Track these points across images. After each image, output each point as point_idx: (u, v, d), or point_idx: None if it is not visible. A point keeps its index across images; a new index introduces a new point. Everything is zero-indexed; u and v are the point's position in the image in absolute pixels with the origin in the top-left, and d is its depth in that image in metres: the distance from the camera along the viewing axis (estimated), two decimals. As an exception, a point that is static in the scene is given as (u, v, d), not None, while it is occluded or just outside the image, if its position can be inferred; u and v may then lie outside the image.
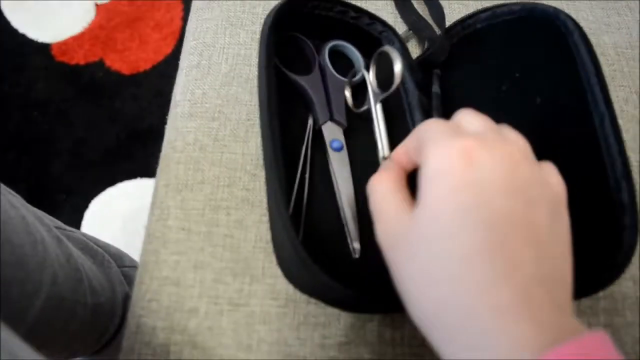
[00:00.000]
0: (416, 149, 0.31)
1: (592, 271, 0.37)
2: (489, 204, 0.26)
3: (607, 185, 0.42)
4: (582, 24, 0.47)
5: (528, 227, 0.26)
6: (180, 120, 0.47)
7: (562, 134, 0.45)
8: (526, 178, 0.28)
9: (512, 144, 0.29)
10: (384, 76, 0.42)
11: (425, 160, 0.28)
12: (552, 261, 0.27)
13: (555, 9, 0.47)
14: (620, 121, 0.45)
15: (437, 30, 0.50)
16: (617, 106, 0.49)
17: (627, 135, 0.50)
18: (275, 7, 0.44)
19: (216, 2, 0.54)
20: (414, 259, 0.28)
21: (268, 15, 0.44)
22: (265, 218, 0.43)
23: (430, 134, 0.29)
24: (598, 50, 0.46)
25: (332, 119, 0.44)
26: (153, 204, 0.45)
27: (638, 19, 0.57)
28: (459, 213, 0.26)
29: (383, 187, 0.32)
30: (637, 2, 0.58)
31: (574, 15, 0.47)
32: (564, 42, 0.46)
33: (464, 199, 0.26)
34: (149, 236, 0.43)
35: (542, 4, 0.48)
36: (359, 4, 0.48)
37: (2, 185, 0.49)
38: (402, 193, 0.31)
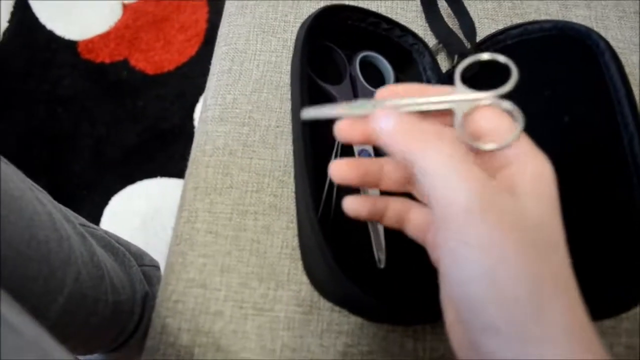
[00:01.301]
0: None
1: (617, 293, 0.37)
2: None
3: (634, 205, 0.42)
4: (611, 43, 0.47)
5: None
6: (211, 124, 0.48)
7: (590, 154, 0.45)
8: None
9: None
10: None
11: (525, 158, 0.27)
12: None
13: (587, 28, 0.47)
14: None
15: (467, 45, 0.50)
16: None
17: (654, 156, 0.50)
18: (310, 16, 0.44)
19: (249, 8, 0.55)
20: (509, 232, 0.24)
21: (303, 24, 0.44)
22: (292, 225, 0.43)
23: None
24: (627, 70, 0.46)
25: (361, 129, 0.44)
26: (181, 206, 0.45)
27: (668, 40, 0.57)
28: (554, 212, 0.26)
29: (446, 142, 0.26)
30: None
31: (603, 34, 0.48)
32: (594, 62, 0.46)
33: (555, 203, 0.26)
34: (177, 237, 0.44)
35: (574, 23, 0.48)
36: (390, 16, 0.49)
37: (30, 181, 0.49)
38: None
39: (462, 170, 0.25)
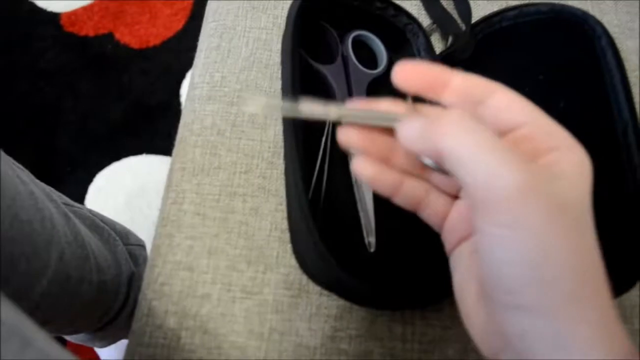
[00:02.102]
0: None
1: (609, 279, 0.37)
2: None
3: (626, 193, 0.42)
4: (607, 27, 0.46)
5: None
6: (199, 103, 0.47)
7: (584, 140, 0.44)
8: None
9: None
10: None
11: (567, 146, 0.26)
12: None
13: (584, 12, 0.47)
14: (640, 127, 0.45)
15: (462, 26, 0.49)
16: (637, 112, 0.48)
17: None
18: (302, -7, 0.43)
19: (238, -17, 0.53)
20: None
21: (294, 2, 0.43)
22: (281, 207, 0.43)
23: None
24: (622, 55, 0.45)
25: (353, 110, 0.44)
26: (168, 187, 0.44)
27: (663, 25, 0.56)
28: (589, 199, 0.25)
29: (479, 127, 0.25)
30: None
31: (598, 18, 0.47)
32: (590, 47, 0.46)
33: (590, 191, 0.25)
34: (163, 219, 0.43)
35: (571, 7, 0.47)
36: (384, -6, 0.48)
37: (11, 159, 0.48)
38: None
39: (504, 154, 0.24)
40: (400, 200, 0.30)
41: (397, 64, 0.28)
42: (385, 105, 0.29)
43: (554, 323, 0.23)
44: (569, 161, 0.26)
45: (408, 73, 0.28)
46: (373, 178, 0.29)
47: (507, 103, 0.27)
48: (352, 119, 0.29)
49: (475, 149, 0.24)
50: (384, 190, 0.30)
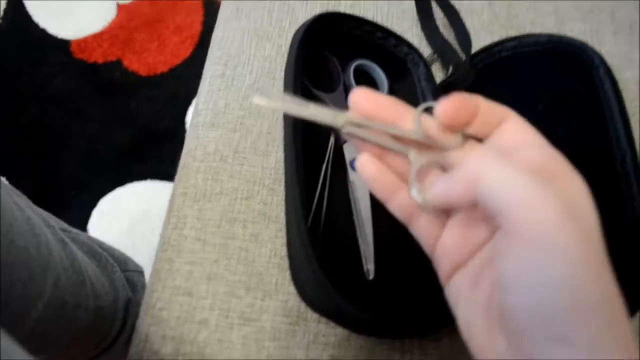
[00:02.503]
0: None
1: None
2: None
3: (625, 221, 0.42)
4: (606, 57, 0.47)
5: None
6: (202, 129, 0.47)
7: (583, 169, 0.45)
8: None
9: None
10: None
11: (569, 173, 0.27)
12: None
13: (582, 42, 0.47)
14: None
15: (462, 56, 0.50)
16: (636, 142, 0.48)
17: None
18: (305, 23, 0.44)
19: (244, 12, 0.54)
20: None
21: (298, 31, 0.44)
22: (281, 233, 0.43)
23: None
24: (620, 85, 0.46)
25: (353, 138, 0.44)
26: (169, 212, 0.45)
27: (662, 56, 0.57)
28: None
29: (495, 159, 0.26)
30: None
31: (597, 49, 0.48)
32: (589, 77, 0.46)
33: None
34: (164, 244, 0.43)
35: (569, 37, 0.48)
36: (385, 25, 0.48)
37: (9, 185, 0.49)
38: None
39: (534, 184, 0.24)
40: (394, 206, 0.30)
41: (355, 89, 0.29)
42: (391, 112, 0.30)
43: (592, 352, 0.23)
44: (577, 187, 0.26)
45: (363, 97, 0.29)
46: (374, 176, 0.30)
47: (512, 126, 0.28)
48: (359, 133, 0.29)
49: (511, 182, 0.25)
50: (381, 192, 0.30)
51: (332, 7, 0.55)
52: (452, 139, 0.29)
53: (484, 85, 0.49)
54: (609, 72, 0.45)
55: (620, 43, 0.58)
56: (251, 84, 0.50)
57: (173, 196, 0.45)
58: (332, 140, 0.44)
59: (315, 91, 0.45)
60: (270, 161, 0.46)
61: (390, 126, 0.29)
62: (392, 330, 0.38)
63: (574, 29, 0.57)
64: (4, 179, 0.45)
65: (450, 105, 0.28)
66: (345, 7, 0.55)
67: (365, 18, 0.47)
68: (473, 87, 0.49)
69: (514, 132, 0.29)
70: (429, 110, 0.29)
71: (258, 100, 0.29)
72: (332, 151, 0.44)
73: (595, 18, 0.59)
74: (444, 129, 0.29)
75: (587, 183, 0.43)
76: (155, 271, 0.42)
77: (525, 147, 0.28)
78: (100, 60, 1.22)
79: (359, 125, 0.29)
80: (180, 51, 1.22)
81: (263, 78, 0.50)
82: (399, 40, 0.48)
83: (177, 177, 0.47)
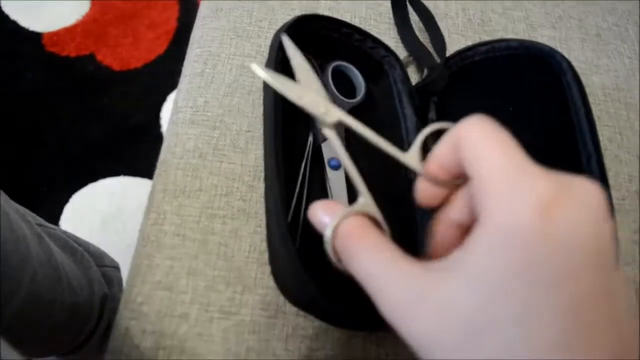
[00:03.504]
0: (456, 162, 0.25)
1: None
2: (572, 276, 0.20)
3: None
4: (574, 63, 0.49)
5: (610, 301, 0.21)
6: (181, 127, 0.48)
7: (549, 170, 0.47)
8: (610, 234, 0.22)
9: (590, 187, 0.22)
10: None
11: (484, 208, 0.22)
12: (628, 338, 0.22)
13: (551, 48, 0.49)
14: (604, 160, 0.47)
15: (437, 59, 0.52)
16: (601, 144, 0.51)
17: (609, 173, 0.52)
18: (285, 24, 0.45)
19: (223, 11, 0.55)
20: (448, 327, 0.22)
21: (277, 32, 0.45)
22: (260, 229, 0.44)
23: (488, 162, 0.23)
24: (587, 90, 0.48)
25: (331, 137, 0.45)
26: (149, 208, 0.45)
27: (626, 62, 0.60)
28: (530, 288, 0.20)
29: (367, 247, 0.26)
30: (626, 45, 0.61)
31: (566, 55, 0.50)
32: (557, 81, 0.48)
33: (538, 269, 0.20)
34: (143, 239, 0.44)
35: (539, 43, 0.50)
36: (363, 27, 0.50)
37: None
38: (391, 249, 0.25)
39: (517, 170, 0.23)
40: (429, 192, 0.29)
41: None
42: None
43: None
44: (482, 235, 0.23)
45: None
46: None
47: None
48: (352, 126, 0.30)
49: (370, 266, 0.25)
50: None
51: (310, 8, 0.56)
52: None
53: (457, 88, 0.51)
54: (576, 77, 0.47)
55: (587, 50, 0.60)
56: (230, 83, 0.50)
57: (152, 192, 0.46)
58: (310, 139, 0.45)
59: (295, 91, 0.46)
60: (250, 158, 0.47)
61: (383, 141, 0.29)
62: (368, 323, 0.39)
63: (544, 35, 0.60)
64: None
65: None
66: (323, 9, 0.56)
67: (344, 20, 0.49)
68: (447, 89, 0.51)
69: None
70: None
71: (256, 68, 0.28)
72: (311, 150, 0.45)
73: (565, 25, 0.61)
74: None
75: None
76: (135, 266, 0.43)
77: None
78: (72, 54, 1.21)
79: (348, 127, 0.30)
80: (154, 47, 1.22)
81: (242, 77, 0.51)
82: (376, 42, 0.50)
83: (156, 173, 0.47)
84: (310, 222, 0.29)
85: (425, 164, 0.28)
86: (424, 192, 0.29)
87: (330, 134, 0.30)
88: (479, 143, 0.24)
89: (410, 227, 0.44)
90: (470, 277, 0.22)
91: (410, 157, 0.29)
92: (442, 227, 0.28)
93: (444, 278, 0.22)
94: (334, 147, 0.31)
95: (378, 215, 0.29)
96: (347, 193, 0.44)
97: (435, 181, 0.28)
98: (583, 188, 0.22)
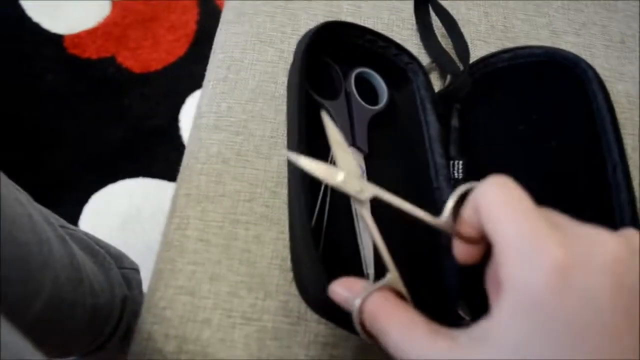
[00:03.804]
0: (477, 225, 0.27)
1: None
2: (592, 333, 0.22)
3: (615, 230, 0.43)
4: (598, 70, 0.49)
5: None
6: (205, 132, 0.48)
7: (574, 179, 0.46)
8: (634, 287, 0.22)
9: (610, 245, 0.23)
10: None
11: (504, 274, 0.23)
12: None
13: (575, 56, 0.49)
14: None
15: (460, 66, 0.52)
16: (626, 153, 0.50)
17: (634, 182, 0.52)
18: (309, 31, 0.45)
19: (246, 17, 0.55)
20: None
21: (302, 38, 0.45)
22: (283, 235, 0.44)
23: (504, 227, 0.24)
24: (611, 98, 0.47)
25: (354, 144, 0.45)
26: (172, 212, 0.45)
27: (651, 70, 0.59)
28: (553, 347, 0.22)
29: (397, 325, 0.27)
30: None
31: (589, 61, 0.49)
32: (582, 89, 0.48)
33: (558, 327, 0.22)
34: (166, 244, 0.44)
35: (564, 51, 0.50)
36: (385, 33, 0.50)
37: (10, 181, 0.49)
38: (419, 322, 0.26)
39: (534, 232, 0.24)
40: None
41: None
42: None
43: None
44: (503, 302, 0.24)
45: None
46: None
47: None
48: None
49: (402, 341, 0.26)
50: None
51: (333, 14, 0.56)
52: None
53: (480, 95, 0.51)
54: (601, 85, 0.47)
55: (611, 57, 0.59)
56: (254, 88, 0.51)
57: (176, 197, 0.46)
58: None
59: (318, 99, 0.46)
60: (273, 164, 0.47)
61: (419, 211, 0.30)
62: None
63: (568, 42, 0.59)
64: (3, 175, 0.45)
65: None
66: (346, 15, 0.56)
67: (368, 27, 0.49)
68: (470, 96, 0.51)
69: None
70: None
71: (292, 156, 0.31)
72: (334, 158, 0.45)
73: (588, 32, 0.60)
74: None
75: (579, 192, 0.44)
76: (158, 271, 0.43)
77: None
78: (94, 56, 1.22)
79: (383, 201, 0.31)
80: (174, 49, 1.23)
81: (265, 83, 0.51)
82: (400, 49, 0.50)
83: (179, 177, 0.48)
84: (334, 300, 0.30)
85: (457, 226, 0.29)
86: (461, 251, 0.29)
87: (365, 213, 0.32)
88: (495, 208, 0.25)
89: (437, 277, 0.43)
90: (498, 343, 0.23)
91: (443, 221, 0.30)
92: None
93: (473, 347, 0.24)
94: (366, 223, 0.32)
95: (403, 290, 0.30)
96: (369, 202, 0.43)
97: (469, 241, 0.29)
98: (601, 247, 0.23)
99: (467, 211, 0.28)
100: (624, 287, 0.22)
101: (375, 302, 0.28)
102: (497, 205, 0.25)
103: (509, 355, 0.22)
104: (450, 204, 0.30)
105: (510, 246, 0.23)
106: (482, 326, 0.24)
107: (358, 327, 0.28)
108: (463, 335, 0.25)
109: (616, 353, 0.21)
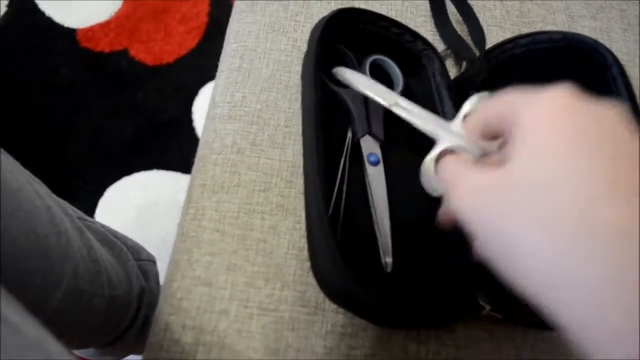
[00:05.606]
0: (501, 117, 0.29)
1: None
2: (611, 134, 0.25)
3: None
4: (616, 54, 0.48)
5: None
6: (219, 122, 0.48)
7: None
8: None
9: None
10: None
11: (524, 112, 0.27)
12: None
13: (595, 41, 0.48)
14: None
15: (476, 52, 0.51)
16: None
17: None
18: (323, 18, 0.44)
19: (259, 6, 0.55)
20: (518, 213, 0.25)
21: (316, 26, 0.44)
22: (299, 225, 0.44)
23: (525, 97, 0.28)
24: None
25: (370, 132, 0.45)
26: (188, 203, 0.45)
27: (672, 54, 0.58)
28: (580, 138, 0.25)
29: (453, 159, 0.32)
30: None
31: (607, 45, 0.48)
32: (601, 74, 0.47)
33: (580, 128, 0.25)
34: (183, 235, 0.44)
35: (583, 35, 0.49)
36: (399, 19, 0.49)
37: (28, 173, 0.49)
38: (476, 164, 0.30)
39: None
40: None
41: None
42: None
43: None
44: (524, 133, 0.28)
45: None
46: None
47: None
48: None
49: (455, 168, 0.31)
50: None
51: (346, 1, 0.56)
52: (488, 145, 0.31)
53: (497, 81, 0.50)
54: (621, 70, 0.46)
55: (629, 41, 0.58)
56: (267, 78, 0.50)
57: (191, 187, 0.46)
58: (349, 135, 0.45)
59: (333, 86, 0.46)
60: (288, 154, 0.46)
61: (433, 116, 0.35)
62: (408, 321, 0.38)
63: (585, 26, 0.58)
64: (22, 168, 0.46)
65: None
66: (359, 2, 0.56)
67: (382, 14, 0.48)
68: (486, 83, 0.50)
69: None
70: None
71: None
72: (349, 145, 0.44)
73: (606, 15, 0.59)
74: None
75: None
76: (174, 261, 0.43)
77: None
78: (106, 50, 1.22)
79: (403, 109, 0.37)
80: (186, 41, 1.22)
81: (279, 72, 0.51)
82: (415, 36, 0.49)
83: (194, 168, 0.47)
84: None
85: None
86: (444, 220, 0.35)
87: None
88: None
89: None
90: (531, 153, 0.26)
91: (456, 125, 0.34)
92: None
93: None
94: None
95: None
96: (385, 188, 0.43)
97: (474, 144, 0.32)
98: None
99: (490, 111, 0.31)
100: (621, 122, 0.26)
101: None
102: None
103: (542, 159, 0.25)
104: (466, 107, 0.34)
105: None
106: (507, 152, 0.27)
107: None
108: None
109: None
